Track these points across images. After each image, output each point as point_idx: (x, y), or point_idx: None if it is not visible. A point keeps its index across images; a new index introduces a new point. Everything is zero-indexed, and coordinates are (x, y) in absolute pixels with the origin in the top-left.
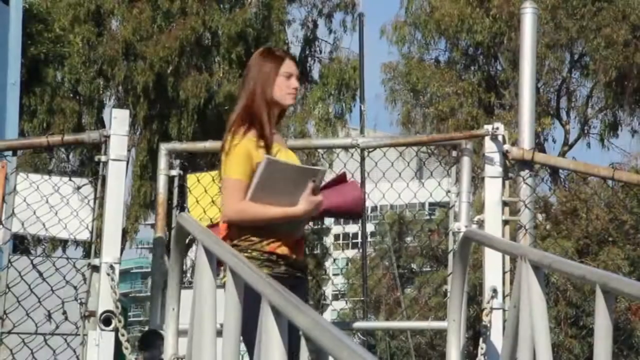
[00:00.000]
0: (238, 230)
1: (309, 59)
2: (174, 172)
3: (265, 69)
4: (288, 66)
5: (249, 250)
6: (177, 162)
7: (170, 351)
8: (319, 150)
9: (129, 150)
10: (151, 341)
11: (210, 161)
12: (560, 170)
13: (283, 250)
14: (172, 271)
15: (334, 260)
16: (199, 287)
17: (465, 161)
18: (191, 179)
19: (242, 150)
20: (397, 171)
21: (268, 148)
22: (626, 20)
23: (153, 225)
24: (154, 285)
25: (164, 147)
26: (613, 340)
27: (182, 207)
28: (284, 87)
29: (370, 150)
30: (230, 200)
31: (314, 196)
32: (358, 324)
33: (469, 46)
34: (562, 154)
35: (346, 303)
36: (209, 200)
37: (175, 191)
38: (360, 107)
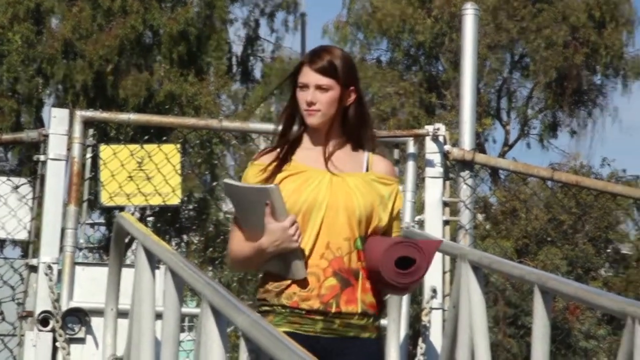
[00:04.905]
0: (261, 278)
1: (251, 58)
2: (90, 142)
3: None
4: (303, 75)
5: (269, 305)
6: (91, 131)
7: (108, 351)
8: (261, 148)
9: (68, 150)
10: None
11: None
12: (501, 171)
13: (309, 303)
14: (111, 272)
15: None
16: (138, 288)
17: (410, 161)
18: (106, 151)
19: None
20: None
21: (273, 173)
22: (566, 22)
23: (92, 225)
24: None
25: (79, 114)
26: (551, 339)
27: (95, 179)
28: (300, 102)
29: None
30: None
31: (275, 222)
32: None
33: (410, 46)
34: (503, 154)
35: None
36: (126, 175)
37: (88, 162)
38: None
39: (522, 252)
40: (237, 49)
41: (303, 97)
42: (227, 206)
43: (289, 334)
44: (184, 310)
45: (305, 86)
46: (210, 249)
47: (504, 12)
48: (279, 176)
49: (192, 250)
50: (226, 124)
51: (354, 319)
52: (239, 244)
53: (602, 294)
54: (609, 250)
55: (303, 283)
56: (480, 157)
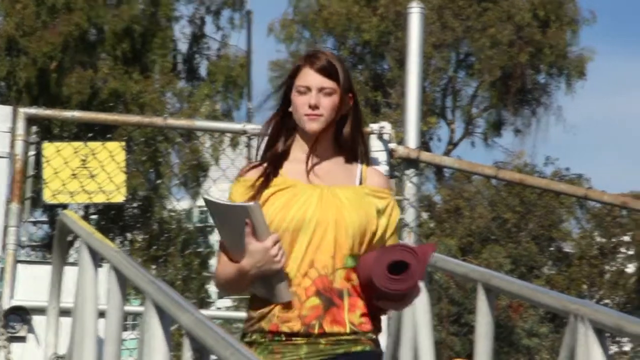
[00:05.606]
0: (247, 304)
1: (197, 56)
2: (33, 139)
3: (283, 83)
4: (304, 77)
5: (250, 334)
6: (34, 128)
7: (50, 350)
8: (206, 146)
9: (11, 147)
10: None
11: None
12: (445, 169)
13: (290, 325)
14: (53, 270)
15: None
16: (81, 286)
17: None
18: (49, 148)
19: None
20: None
21: (260, 189)
22: (511, 21)
23: (35, 223)
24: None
25: (22, 112)
26: (494, 337)
27: (38, 176)
28: (299, 106)
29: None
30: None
31: (256, 242)
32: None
33: (356, 45)
34: (447, 153)
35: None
36: (69, 172)
37: (32, 159)
38: (248, 104)
39: (466, 251)
40: (183, 46)
41: (304, 100)
42: (171, 204)
43: None
44: (127, 308)
45: (306, 89)
46: (154, 247)
47: (449, 11)
48: (266, 192)
49: (135, 248)
50: (171, 121)
51: (342, 337)
52: (223, 265)
53: (545, 292)
54: (552, 249)
55: (285, 304)
56: (425, 155)
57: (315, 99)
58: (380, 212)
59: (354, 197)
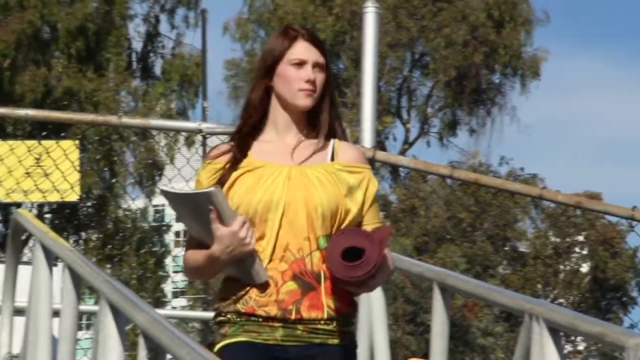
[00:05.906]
0: (221, 284)
1: (151, 54)
2: None
3: (268, 54)
4: (299, 50)
5: (224, 313)
6: None
7: (4, 350)
8: (161, 145)
9: None
10: None
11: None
12: (401, 169)
13: (266, 309)
14: (7, 269)
15: (174, 257)
16: (35, 285)
17: None
18: (2, 146)
19: (195, 185)
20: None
21: (228, 172)
22: (465, 21)
23: None
24: None
25: None
26: (449, 336)
27: None
28: (293, 80)
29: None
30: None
31: (223, 228)
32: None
33: None
34: (403, 152)
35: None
36: (23, 171)
37: None
38: (203, 103)
39: (421, 250)
40: (137, 45)
41: (301, 74)
42: (126, 203)
43: (246, 343)
44: (82, 307)
45: (303, 63)
46: (109, 246)
47: (404, 10)
48: (233, 175)
49: (90, 247)
50: (126, 120)
51: (320, 324)
52: (192, 253)
53: (500, 292)
54: (507, 248)
55: (262, 288)
56: (380, 155)
57: (313, 73)
58: (354, 187)
59: (323, 175)
